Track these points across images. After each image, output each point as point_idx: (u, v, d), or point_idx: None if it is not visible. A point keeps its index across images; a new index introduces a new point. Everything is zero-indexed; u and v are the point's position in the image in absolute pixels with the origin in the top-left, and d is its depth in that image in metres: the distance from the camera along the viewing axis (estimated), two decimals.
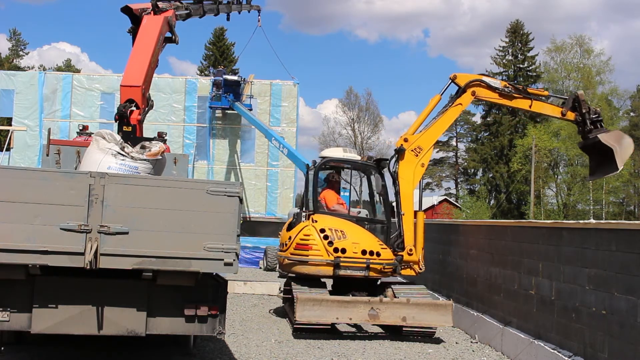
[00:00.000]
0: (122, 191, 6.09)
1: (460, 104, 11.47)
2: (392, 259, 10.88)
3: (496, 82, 11.56)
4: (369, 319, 10.12)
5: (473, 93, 11.38)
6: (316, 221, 10.94)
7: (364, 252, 10.68)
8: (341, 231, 10.84)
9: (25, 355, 7.70)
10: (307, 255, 10.81)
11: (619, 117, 57.17)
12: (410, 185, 11.08)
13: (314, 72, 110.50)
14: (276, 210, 27.09)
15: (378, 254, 10.76)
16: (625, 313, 6.62)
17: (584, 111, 11.27)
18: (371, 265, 10.66)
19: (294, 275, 11.32)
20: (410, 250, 10.99)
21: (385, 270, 10.81)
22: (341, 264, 10.60)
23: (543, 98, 11.66)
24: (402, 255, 10.99)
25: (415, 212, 11.26)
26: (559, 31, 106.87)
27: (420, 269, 11.17)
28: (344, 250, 10.64)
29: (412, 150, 11.14)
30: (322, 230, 10.79)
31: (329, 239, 10.69)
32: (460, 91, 11.43)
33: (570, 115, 11.40)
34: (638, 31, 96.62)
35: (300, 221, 11.17)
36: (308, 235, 10.89)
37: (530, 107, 11.54)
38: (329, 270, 10.69)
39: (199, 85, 27.56)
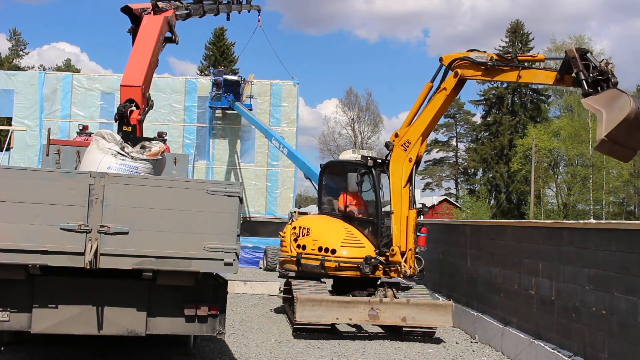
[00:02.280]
0: (122, 191, 6.09)
1: (445, 88, 10.32)
2: (352, 258, 10.60)
3: (482, 56, 9.96)
4: (369, 319, 10.12)
5: (456, 74, 10.19)
6: (295, 220, 11.52)
7: (320, 248, 10.83)
8: (307, 229, 11.20)
9: (25, 355, 7.70)
10: (282, 252, 11.75)
11: None
12: (400, 182, 10.63)
13: (314, 72, 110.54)
14: (276, 210, 27.09)
15: (333, 251, 10.69)
16: (625, 313, 6.62)
17: (575, 71, 8.82)
18: (325, 263, 10.70)
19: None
20: (393, 250, 10.57)
21: (342, 268, 10.62)
22: (302, 260, 11.05)
23: (536, 64, 9.91)
24: (388, 256, 10.63)
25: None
26: (559, 31, 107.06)
27: (405, 272, 10.47)
28: (304, 247, 11.09)
29: (401, 145, 10.70)
30: (294, 229, 11.41)
31: (295, 236, 11.26)
32: (444, 73, 10.36)
33: (568, 80, 9.10)
34: (638, 31, 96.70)
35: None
36: (284, 234, 11.74)
37: (519, 78, 9.70)
38: (294, 266, 11.26)
39: (199, 85, 27.56)
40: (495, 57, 9.86)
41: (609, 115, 7.96)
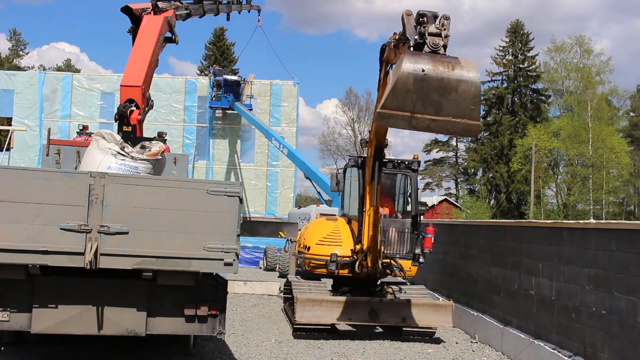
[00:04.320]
0: (122, 191, 6.09)
1: (380, 78, 9.14)
2: (321, 255, 10.74)
3: (393, 39, 8.40)
4: (369, 320, 10.11)
5: (387, 60, 8.92)
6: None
7: (304, 247, 11.32)
8: (307, 228, 11.93)
9: (25, 355, 7.70)
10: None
11: (619, 117, 57.19)
12: (367, 178, 10.20)
13: (314, 72, 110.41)
14: (276, 210, 27.10)
15: (308, 249, 11.06)
16: (625, 313, 6.62)
17: (399, 38, 7.76)
18: (304, 260, 11.15)
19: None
20: (356, 249, 10.43)
21: (314, 265, 10.91)
22: (298, 258, 11.86)
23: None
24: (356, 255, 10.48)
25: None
26: (559, 31, 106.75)
27: (361, 270, 10.16)
28: (298, 245, 11.93)
29: (369, 141, 10.28)
30: (304, 229, 12.24)
31: (300, 236, 12.10)
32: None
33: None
34: (638, 31, 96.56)
35: None
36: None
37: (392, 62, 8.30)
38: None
39: (199, 85, 27.58)
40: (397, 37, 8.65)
41: (387, 86, 6.94)
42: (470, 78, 6.80)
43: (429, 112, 6.81)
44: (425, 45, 7.19)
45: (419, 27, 7.48)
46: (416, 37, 7.39)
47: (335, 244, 10.78)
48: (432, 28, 7.32)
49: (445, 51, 7.33)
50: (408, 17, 7.60)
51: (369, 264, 10.19)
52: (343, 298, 10.32)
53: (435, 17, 7.57)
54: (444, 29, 7.36)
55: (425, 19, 7.48)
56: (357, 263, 10.26)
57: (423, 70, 6.66)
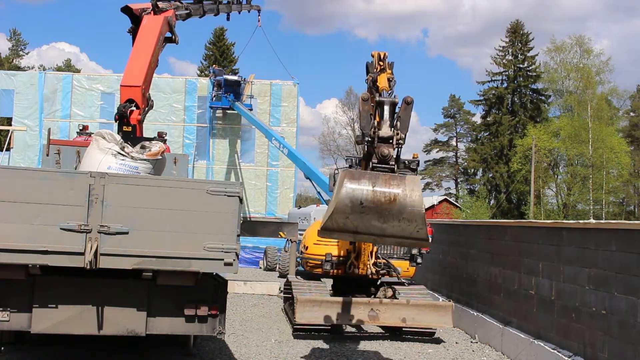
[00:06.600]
0: (122, 191, 6.10)
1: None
2: (317, 255, 10.87)
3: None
4: (368, 320, 10.11)
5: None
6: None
7: (304, 246, 11.55)
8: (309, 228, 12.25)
9: (25, 355, 7.70)
10: None
11: (619, 117, 57.19)
12: None
13: (314, 72, 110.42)
14: (276, 210, 27.08)
15: (307, 248, 11.24)
16: (625, 313, 6.62)
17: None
18: (303, 259, 11.34)
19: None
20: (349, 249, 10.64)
21: (311, 264, 11.07)
22: (299, 258, 12.14)
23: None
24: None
25: None
26: (559, 31, 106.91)
27: (352, 270, 10.35)
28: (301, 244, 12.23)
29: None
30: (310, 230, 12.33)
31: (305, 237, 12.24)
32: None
33: None
34: (638, 31, 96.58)
35: None
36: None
37: None
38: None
39: (199, 85, 27.56)
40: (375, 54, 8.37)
41: (330, 204, 6.54)
42: (415, 205, 6.25)
43: (374, 233, 6.44)
44: (374, 156, 6.66)
45: (373, 120, 6.78)
46: (368, 138, 6.79)
47: (332, 244, 10.83)
48: (384, 129, 6.63)
49: (399, 151, 6.75)
50: (364, 103, 6.87)
51: (359, 265, 10.47)
52: (343, 299, 10.31)
53: (393, 106, 6.84)
54: (398, 131, 6.66)
55: (380, 110, 6.72)
56: (349, 263, 10.50)
57: (361, 203, 6.22)
